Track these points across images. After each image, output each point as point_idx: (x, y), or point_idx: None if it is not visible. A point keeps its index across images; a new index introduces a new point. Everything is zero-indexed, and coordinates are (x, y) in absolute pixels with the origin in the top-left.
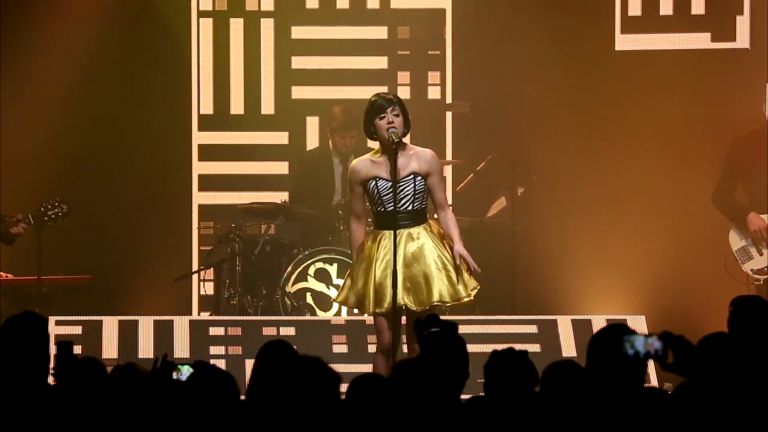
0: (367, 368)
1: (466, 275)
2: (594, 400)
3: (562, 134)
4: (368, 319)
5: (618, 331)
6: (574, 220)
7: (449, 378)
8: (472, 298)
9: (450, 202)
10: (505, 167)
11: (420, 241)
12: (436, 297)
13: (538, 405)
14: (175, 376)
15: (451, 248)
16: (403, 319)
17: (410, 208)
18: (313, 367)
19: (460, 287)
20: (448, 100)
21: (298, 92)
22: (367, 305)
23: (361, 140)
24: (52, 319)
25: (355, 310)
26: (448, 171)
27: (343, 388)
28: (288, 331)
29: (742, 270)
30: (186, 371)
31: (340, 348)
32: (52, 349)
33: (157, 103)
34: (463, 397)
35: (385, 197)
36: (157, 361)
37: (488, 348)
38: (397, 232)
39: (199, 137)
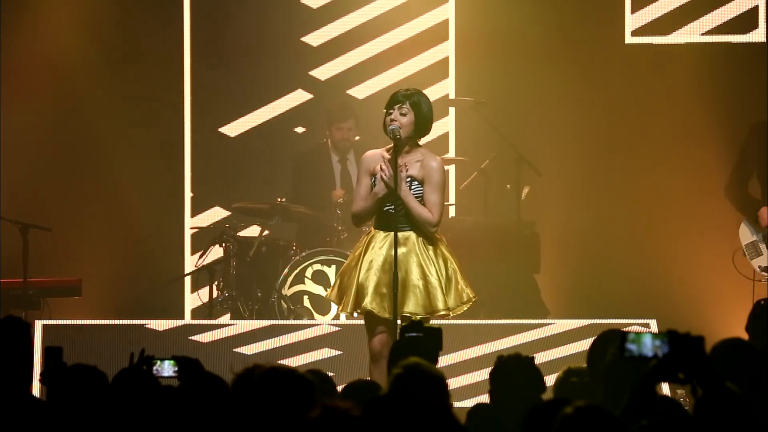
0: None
1: (460, 286)
2: (606, 408)
3: (568, 131)
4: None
5: (615, 336)
6: (581, 219)
7: (444, 386)
8: (451, 314)
9: (453, 201)
10: (510, 165)
11: (406, 247)
12: (407, 308)
13: (547, 412)
14: (155, 371)
15: (447, 259)
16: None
17: (402, 211)
18: (285, 377)
19: (438, 301)
20: (452, 95)
21: None
22: (345, 305)
23: (360, 134)
24: (39, 323)
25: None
26: (451, 169)
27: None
28: (286, 335)
29: (749, 265)
30: (167, 366)
31: (337, 352)
32: (40, 355)
33: (149, 101)
34: (467, 403)
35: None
36: (133, 356)
37: (493, 352)
38: (387, 234)
39: (194, 130)
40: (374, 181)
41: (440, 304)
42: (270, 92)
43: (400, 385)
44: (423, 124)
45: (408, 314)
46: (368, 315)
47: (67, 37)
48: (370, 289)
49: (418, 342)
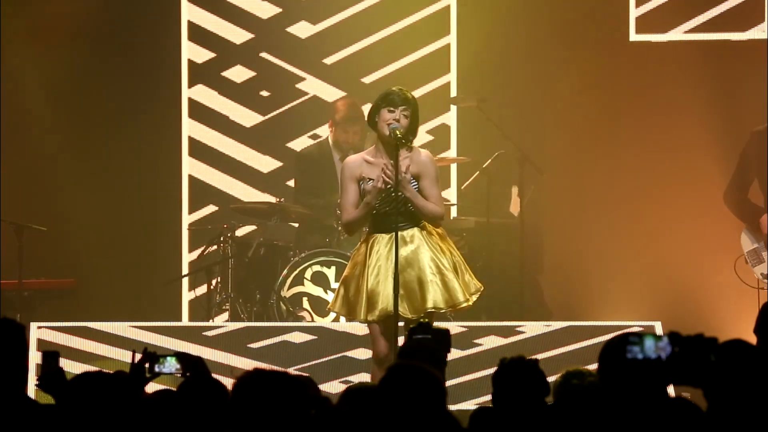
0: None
1: (467, 278)
2: (611, 412)
3: (572, 130)
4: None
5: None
6: (585, 219)
7: (441, 386)
8: (470, 303)
9: (454, 201)
10: (513, 165)
11: (414, 244)
12: (430, 304)
13: (550, 417)
14: (157, 369)
15: (451, 251)
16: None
17: (402, 209)
18: (277, 379)
19: (457, 292)
20: (453, 93)
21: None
22: (359, 312)
23: (363, 137)
24: (34, 325)
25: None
26: (452, 168)
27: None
28: (286, 338)
29: (752, 273)
30: (169, 363)
31: (336, 354)
32: (36, 359)
33: (145, 98)
34: (470, 407)
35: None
36: (134, 354)
37: (495, 356)
38: (390, 235)
39: (190, 130)
40: (363, 186)
41: (460, 297)
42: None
43: (391, 380)
44: (415, 129)
45: (432, 309)
46: (388, 319)
47: (65, 38)
48: (390, 294)
49: (426, 344)
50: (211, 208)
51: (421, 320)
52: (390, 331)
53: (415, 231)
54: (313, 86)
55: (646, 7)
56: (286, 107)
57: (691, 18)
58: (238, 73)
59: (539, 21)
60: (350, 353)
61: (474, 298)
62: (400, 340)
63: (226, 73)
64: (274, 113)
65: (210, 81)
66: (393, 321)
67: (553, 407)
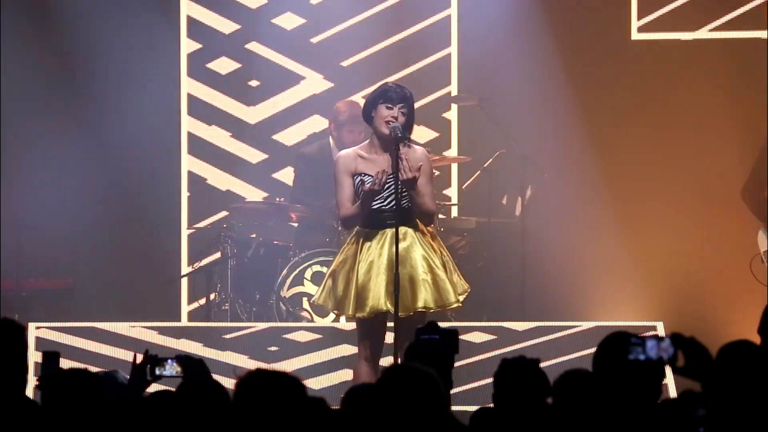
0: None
1: (455, 278)
2: (609, 412)
3: (574, 129)
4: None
5: (623, 339)
6: (587, 219)
7: (438, 386)
8: (461, 303)
9: (455, 201)
10: (515, 164)
11: (406, 242)
12: (420, 303)
13: (550, 417)
14: (158, 372)
15: (441, 250)
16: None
17: (395, 206)
18: (277, 379)
19: (449, 293)
20: (454, 92)
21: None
22: (347, 307)
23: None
24: (32, 326)
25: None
26: (453, 168)
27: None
28: (287, 337)
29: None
30: (170, 366)
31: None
32: (36, 359)
33: (144, 96)
34: (471, 408)
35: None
36: (136, 357)
37: (497, 356)
38: (382, 231)
39: (189, 126)
40: (358, 182)
41: (452, 297)
42: (267, 88)
43: (388, 381)
44: (411, 126)
45: (422, 309)
46: (378, 316)
47: (65, 39)
48: (381, 290)
49: (433, 344)
50: (209, 207)
51: (410, 317)
52: (378, 329)
53: (408, 229)
54: (302, 79)
55: (647, 6)
56: (273, 98)
57: (694, 16)
58: (224, 64)
59: (540, 19)
60: (350, 353)
61: (461, 298)
62: (396, 339)
63: (211, 65)
64: (261, 104)
65: (196, 72)
66: (393, 319)
67: (553, 407)
